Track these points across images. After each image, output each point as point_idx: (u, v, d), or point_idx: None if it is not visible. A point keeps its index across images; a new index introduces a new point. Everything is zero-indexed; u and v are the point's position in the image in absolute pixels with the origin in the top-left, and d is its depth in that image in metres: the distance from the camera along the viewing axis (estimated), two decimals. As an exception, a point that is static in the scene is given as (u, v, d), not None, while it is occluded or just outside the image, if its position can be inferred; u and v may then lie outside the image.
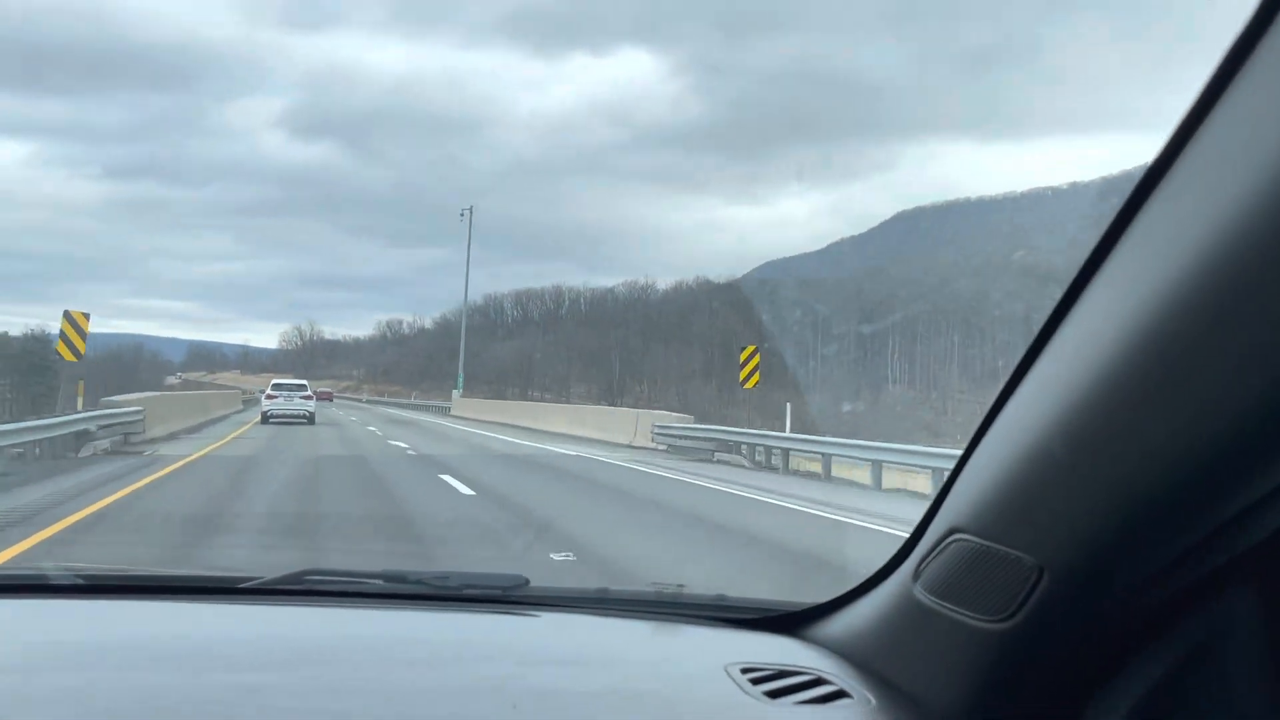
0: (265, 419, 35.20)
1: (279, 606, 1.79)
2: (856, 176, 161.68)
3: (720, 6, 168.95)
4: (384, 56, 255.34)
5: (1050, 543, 1.08)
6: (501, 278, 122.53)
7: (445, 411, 58.97)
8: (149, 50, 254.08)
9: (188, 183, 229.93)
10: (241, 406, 52.38)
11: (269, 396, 37.06)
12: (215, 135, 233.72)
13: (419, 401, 78.56)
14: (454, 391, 66.65)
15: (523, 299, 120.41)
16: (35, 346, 78.07)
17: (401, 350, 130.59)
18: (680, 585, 1.94)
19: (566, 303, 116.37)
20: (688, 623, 1.80)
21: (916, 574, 1.35)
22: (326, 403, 59.01)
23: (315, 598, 1.81)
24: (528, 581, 1.86)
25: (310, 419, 35.74)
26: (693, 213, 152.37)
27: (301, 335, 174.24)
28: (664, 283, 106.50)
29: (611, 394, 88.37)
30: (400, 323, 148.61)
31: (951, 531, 1.25)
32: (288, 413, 35.67)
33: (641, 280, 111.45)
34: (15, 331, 79.12)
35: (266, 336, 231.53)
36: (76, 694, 1.34)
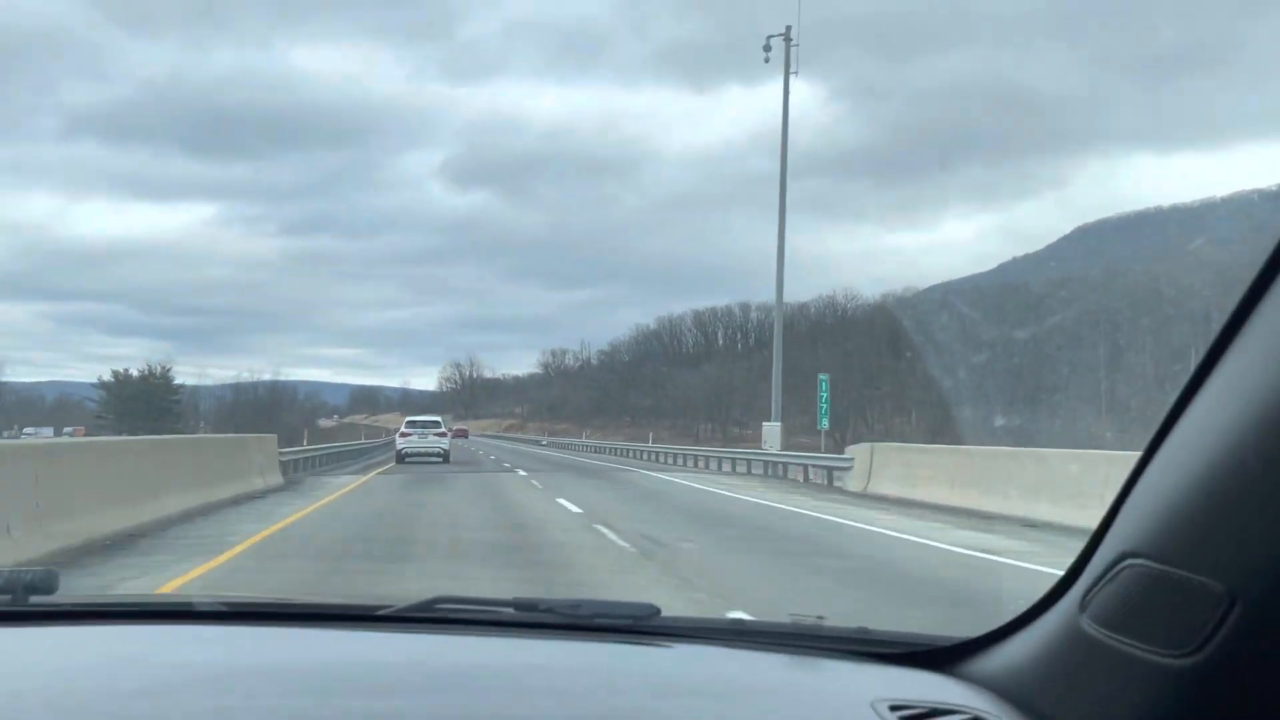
0: (400, 459, 34.04)
1: (412, 634, 1.80)
2: (1027, 195, 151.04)
3: (878, 28, 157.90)
4: (540, 102, 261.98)
5: (1242, 566, 0.97)
6: (654, 315, 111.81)
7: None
8: (323, 110, 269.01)
9: (356, 235, 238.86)
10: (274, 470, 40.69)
11: (403, 434, 35.42)
12: (382, 188, 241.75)
13: (615, 444, 59.08)
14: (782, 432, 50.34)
15: (704, 320, 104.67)
16: (156, 389, 67.48)
17: (568, 385, 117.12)
18: (820, 617, 1.88)
19: (755, 319, 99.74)
20: (829, 657, 1.71)
21: (1083, 604, 1.22)
22: (462, 439, 56.42)
23: (448, 625, 1.82)
24: (659, 611, 1.80)
25: (445, 457, 34.24)
26: (851, 240, 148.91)
27: (461, 374, 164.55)
28: (859, 297, 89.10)
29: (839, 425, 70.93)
30: (564, 354, 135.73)
31: (1124, 556, 1.14)
32: (422, 451, 34.29)
33: (840, 294, 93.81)
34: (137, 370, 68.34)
35: (427, 379, 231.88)
36: (213, 718, 1.38)
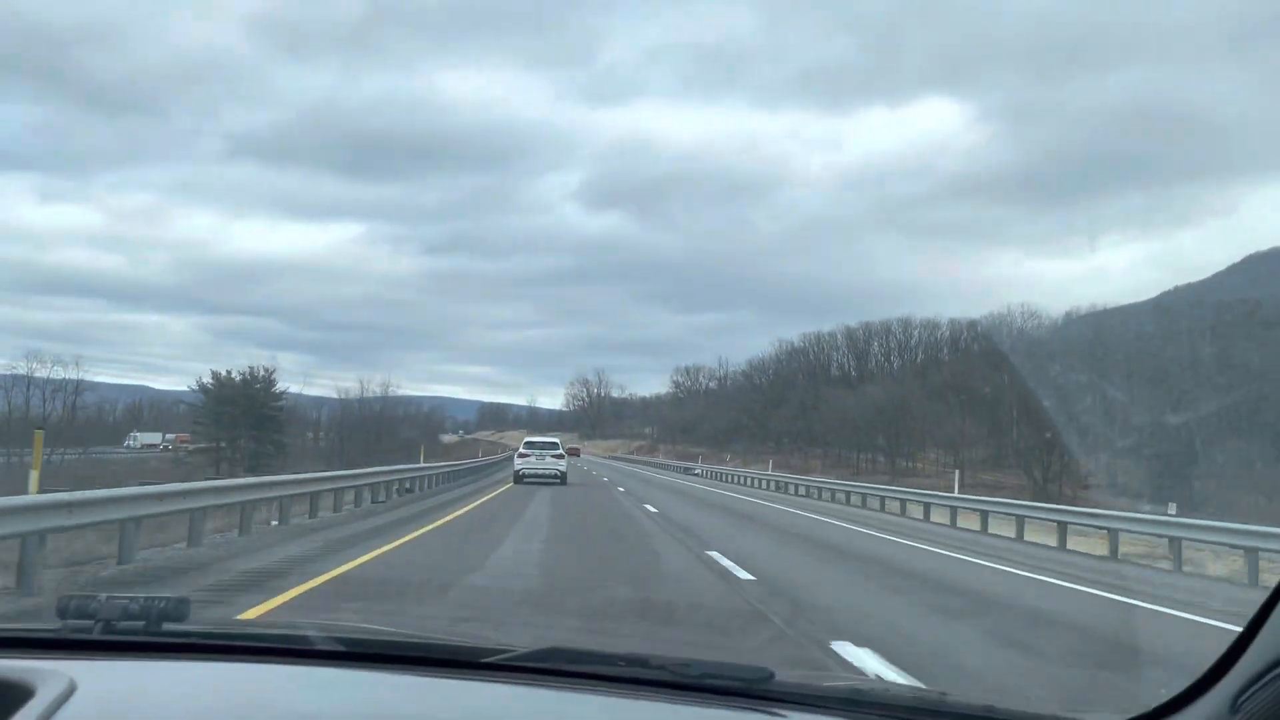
0: (518, 479, 33.72)
1: (525, 687, 1.78)
2: (1188, 223, 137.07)
3: (1033, 46, 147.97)
4: (677, 124, 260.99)
5: None
6: (768, 348, 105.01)
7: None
8: (467, 134, 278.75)
9: (494, 256, 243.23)
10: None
11: (521, 455, 35.31)
12: (520, 210, 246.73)
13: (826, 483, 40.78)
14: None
15: (857, 337, 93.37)
16: (257, 395, 61.54)
17: (703, 405, 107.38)
18: (943, 692, 1.82)
19: (919, 336, 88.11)
20: None
21: (1235, 705, 1.16)
22: (573, 457, 51.31)
23: (560, 678, 1.79)
24: (773, 675, 1.74)
25: (562, 479, 33.86)
26: (995, 266, 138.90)
27: (589, 392, 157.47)
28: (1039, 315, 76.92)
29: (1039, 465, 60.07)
30: (698, 371, 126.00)
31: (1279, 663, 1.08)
32: (539, 472, 33.95)
33: (1016, 309, 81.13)
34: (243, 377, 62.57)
35: (554, 398, 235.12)
36: None
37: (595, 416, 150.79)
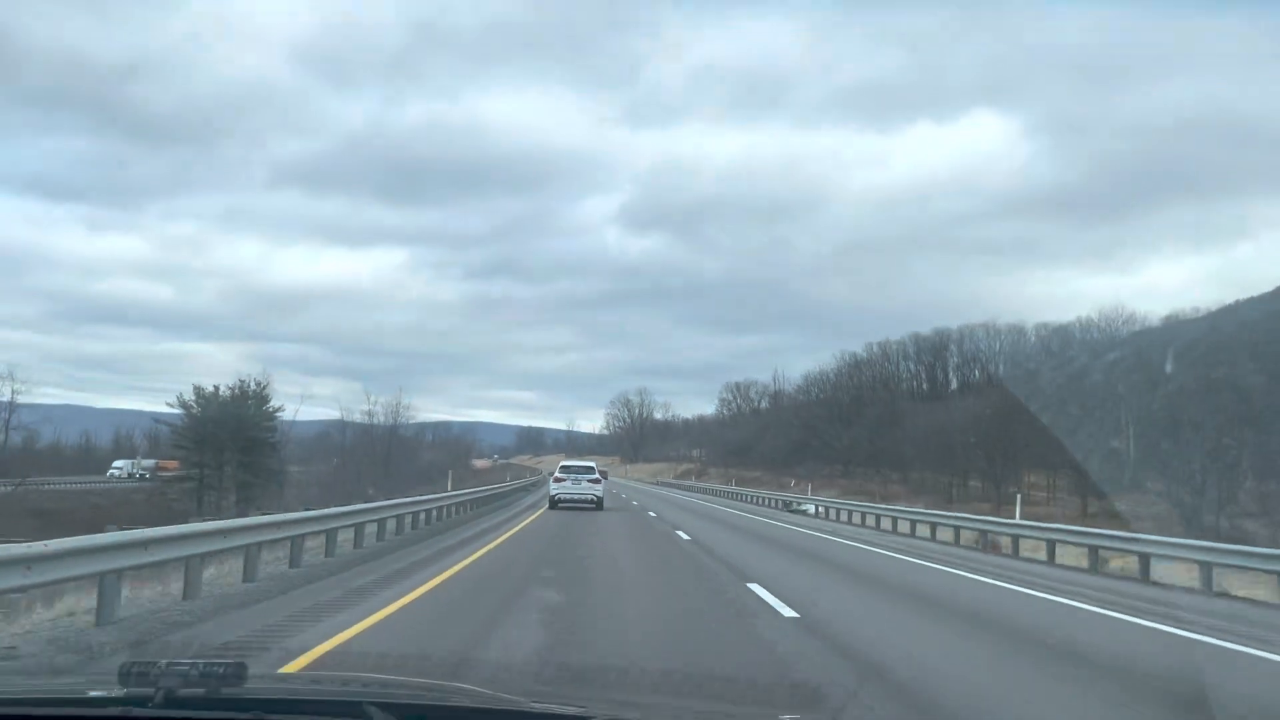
0: (553, 504, 33.11)
1: None
2: (1244, 236, 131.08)
3: (1082, 57, 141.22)
4: (718, 145, 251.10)
5: None
6: (825, 362, 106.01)
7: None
8: (509, 159, 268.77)
9: (535, 280, 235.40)
10: None
11: (556, 479, 34.57)
12: (561, 234, 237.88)
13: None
14: None
15: (930, 344, 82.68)
16: (249, 413, 53.04)
17: (758, 424, 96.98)
18: None
19: (1005, 343, 77.41)
20: None
21: None
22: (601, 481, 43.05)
23: None
24: None
25: (598, 504, 33.10)
26: (1044, 284, 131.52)
27: (630, 412, 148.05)
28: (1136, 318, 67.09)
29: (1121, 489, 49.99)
30: (749, 387, 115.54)
31: None
32: (575, 498, 33.18)
33: (1098, 316, 70.78)
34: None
35: (594, 421, 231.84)
36: None
37: (637, 438, 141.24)
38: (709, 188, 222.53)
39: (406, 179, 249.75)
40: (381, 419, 68.92)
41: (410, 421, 77.95)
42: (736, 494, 59.01)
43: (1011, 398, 58.47)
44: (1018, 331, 78.19)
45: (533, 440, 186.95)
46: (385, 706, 1.85)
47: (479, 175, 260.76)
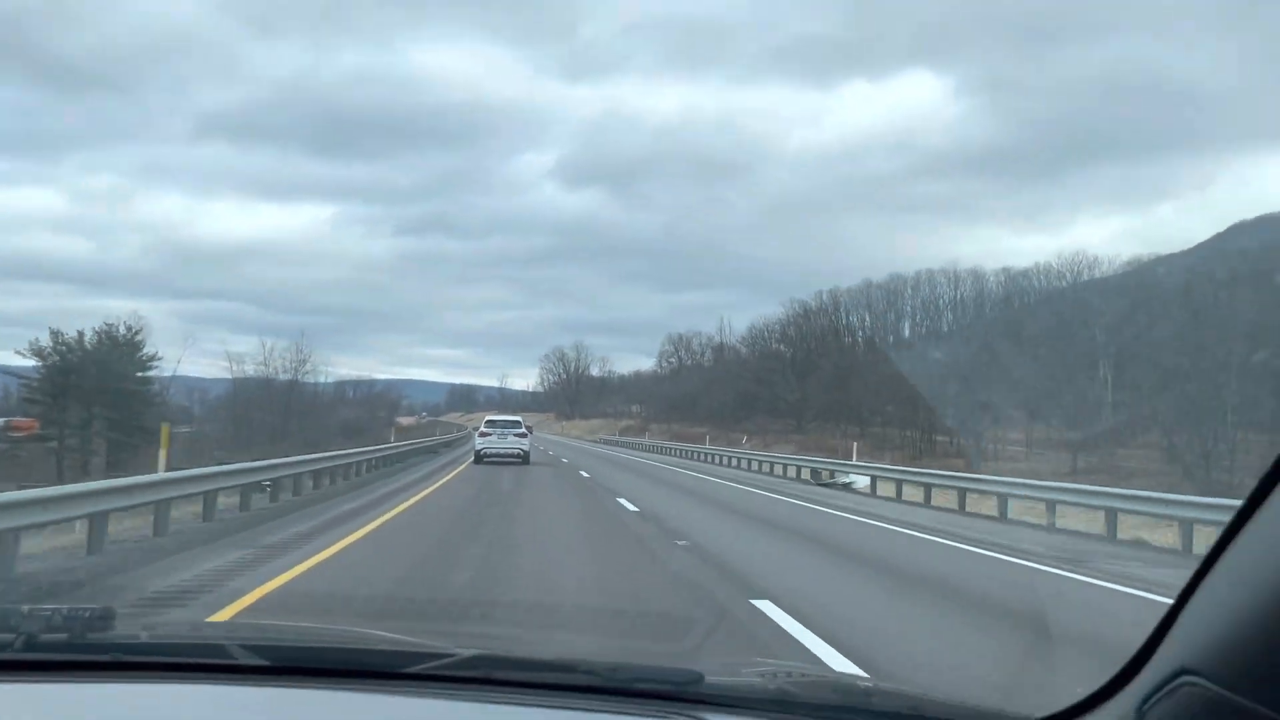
0: (478, 459, 32.71)
1: (445, 700, 1.74)
2: (1166, 196, 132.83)
3: (1016, 16, 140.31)
4: (656, 101, 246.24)
5: None
6: (772, 313, 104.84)
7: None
8: (442, 112, 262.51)
9: (469, 236, 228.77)
10: None
11: (482, 434, 34.13)
12: (496, 189, 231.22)
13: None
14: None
15: (887, 292, 77.47)
16: (121, 362, 45.33)
17: (703, 377, 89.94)
18: (869, 687, 1.81)
19: (967, 292, 72.34)
20: None
21: (1141, 712, 1.17)
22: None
23: (485, 686, 1.76)
24: (702, 677, 1.73)
25: (525, 459, 32.71)
26: (972, 244, 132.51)
27: (566, 366, 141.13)
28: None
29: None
30: (690, 340, 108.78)
31: (1182, 671, 1.08)
32: (501, 452, 32.80)
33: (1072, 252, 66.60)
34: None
35: (529, 378, 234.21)
36: None
37: (573, 394, 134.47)
38: (647, 143, 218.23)
39: (337, 132, 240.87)
40: (285, 374, 61.22)
41: (325, 378, 70.63)
42: (693, 452, 52.70)
43: (980, 345, 53.52)
44: (976, 276, 73.36)
45: (464, 398, 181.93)
46: (254, 649, 1.83)
47: (412, 129, 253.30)
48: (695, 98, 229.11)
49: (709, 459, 46.70)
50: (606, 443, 76.02)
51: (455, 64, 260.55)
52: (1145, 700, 1.17)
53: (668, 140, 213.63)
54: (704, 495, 23.19)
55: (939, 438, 56.32)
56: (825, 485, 29.03)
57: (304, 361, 62.08)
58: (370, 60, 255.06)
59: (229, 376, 60.72)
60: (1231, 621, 1.00)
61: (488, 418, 37.50)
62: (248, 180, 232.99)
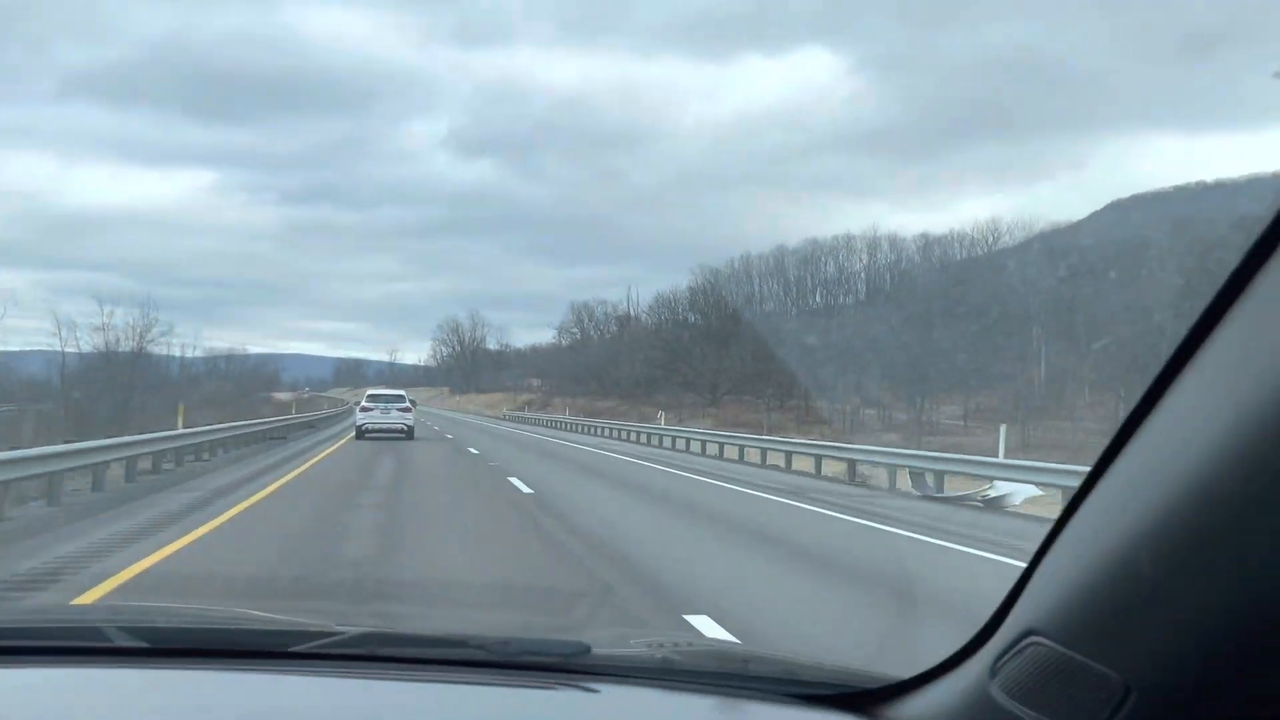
0: (359, 434, 31.66)
1: (334, 677, 1.72)
2: (1044, 176, 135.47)
3: None
4: (552, 70, 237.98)
5: (1138, 661, 0.98)
6: (657, 293, 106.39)
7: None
8: (328, 76, 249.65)
9: (358, 206, 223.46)
10: None
11: (363, 409, 33.00)
12: (386, 158, 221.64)
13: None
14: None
15: (802, 258, 72.62)
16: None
17: (609, 349, 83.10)
18: (748, 654, 1.85)
19: (885, 258, 68.33)
20: (756, 698, 1.66)
21: (994, 670, 1.23)
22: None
23: (375, 664, 1.75)
24: (589, 649, 1.75)
25: (409, 434, 32.04)
26: (861, 220, 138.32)
27: (461, 338, 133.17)
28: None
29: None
30: (594, 309, 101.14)
31: (1030, 632, 1.15)
32: (383, 427, 31.96)
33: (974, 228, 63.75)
34: None
35: (421, 352, 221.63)
36: None
37: (469, 368, 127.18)
38: (543, 114, 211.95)
39: (216, 94, 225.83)
40: (128, 345, 52.79)
41: (192, 351, 62.88)
42: (602, 429, 47.05)
43: (909, 313, 49.50)
44: (894, 241, 69.64)
45: (352, 372, 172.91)
46: (131, 630, 1.79)
47: (297, 92, 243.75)
48: (592, 68, 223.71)
49: (623, 435, 41.83)
50: (510, 419, 69.73)
51: (343, 26, 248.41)
52: (997, 659, 1.22)
53: (564, 111, 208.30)
54: (616, 478, 20.30)
55: (868, 410, 52.13)
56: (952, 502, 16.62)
57: (149, 329, 53.50)
58: (252, 20, 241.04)
59: (62, 350, 52.04)
60: (1073, 584, 1.05)
61: (369, 392, 36.56)
62: (119, 143, 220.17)
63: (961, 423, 47.65)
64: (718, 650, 1.89)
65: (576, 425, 51.34)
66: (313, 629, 1.81)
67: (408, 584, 7.53)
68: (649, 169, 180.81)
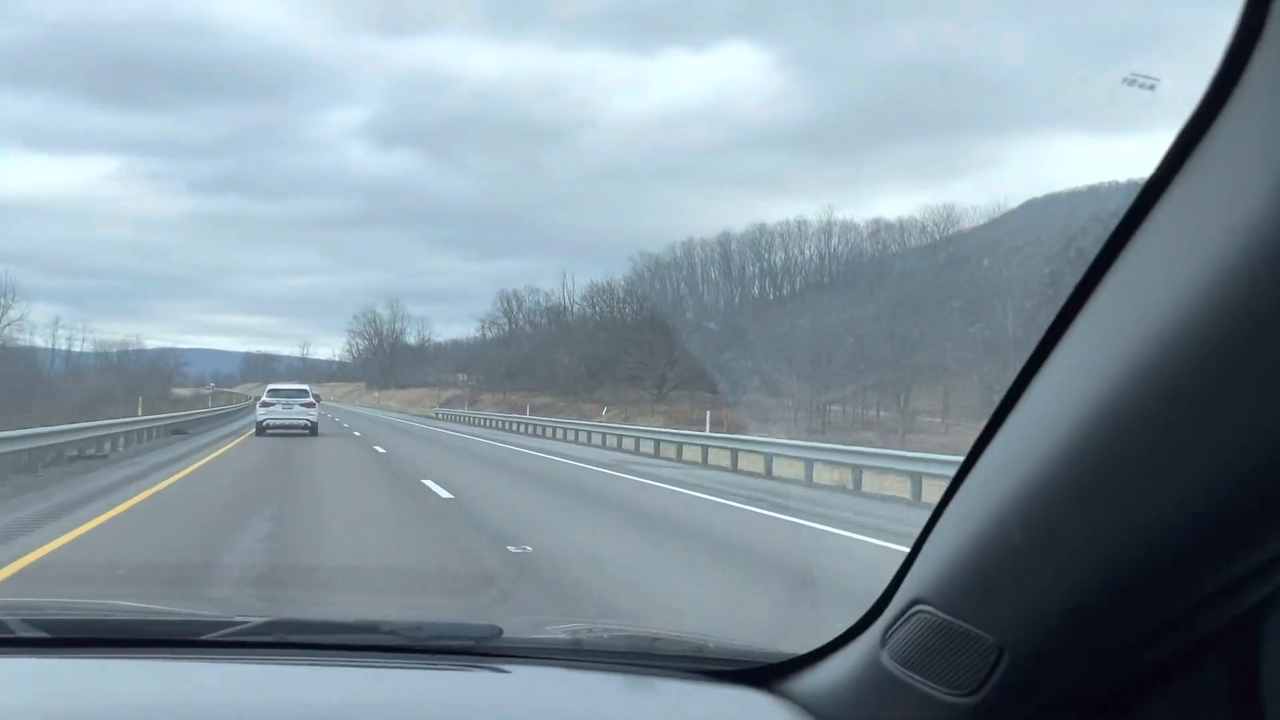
0: (260, 430, 31.21)
1: (249, 664, 1.70)
2: (960, 175, 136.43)
3: None
4: (474, 61, 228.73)
5: (1009, 624, 1.08)
6: (591, 282, 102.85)
7: None
8: (241, 62, 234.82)
9: (272, 197, 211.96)
10: None
11: (264, 404, 32.62)
12: (301, 147, 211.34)
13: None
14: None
15: (748, 243, 67.61)
16: None
17: (541, 341, 76.53)
18: (656, 635, 1.91)
19: (838, 243, 64.04)
20: (664, 676, 1.71)
21: (884, 639, 1.32)
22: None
23: (286, 651, 1.72)
24: (501, 631, 1.78)
25: (312, 430, 31.04)
26: (782, 217, 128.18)
27: (379, 330, 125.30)
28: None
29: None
30: (523, 298, 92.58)
31: (916, 601, 1.24)
32: (285, 423, 31.04)
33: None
34: None
35: (336, 346, 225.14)
36: None
37: (387, 363, 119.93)
38: (465, 105, 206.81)
39: (122, 78, 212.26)
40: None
41: (80, 346, 56.60)
42: (539, 428, 41.57)
43: (888, 299, 45.74)
44: (849, 228, 65.63)
45: (261, 367, 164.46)
46: (33, 622, 1.73)
47: (207, 78, 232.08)
48: (514, 59, 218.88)
49: (560, 435, 37.04)
50: (440, 418, 63.52)
51: (257, 11, 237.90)
52: (888, 629, 1.29)
53: (486, 102, 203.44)
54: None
55: (833, 407, 48.00)
56: None
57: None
58: (163, 2, 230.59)
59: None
60: (954, 555, 1.13)
61: (270, 386, 35.54)
62: (15, 129, 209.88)
63: (939, 420, 43.96)
64: (627, 632, 1.97)
65: (510, 424, 45.95)
66: (220, 617, 1.77)
67: (319, 569, 7.45)
68: (570, 163, 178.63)
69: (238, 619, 1.74)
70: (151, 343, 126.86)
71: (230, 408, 58.30)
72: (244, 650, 1.69)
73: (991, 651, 1.08)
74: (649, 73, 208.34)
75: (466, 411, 59.97)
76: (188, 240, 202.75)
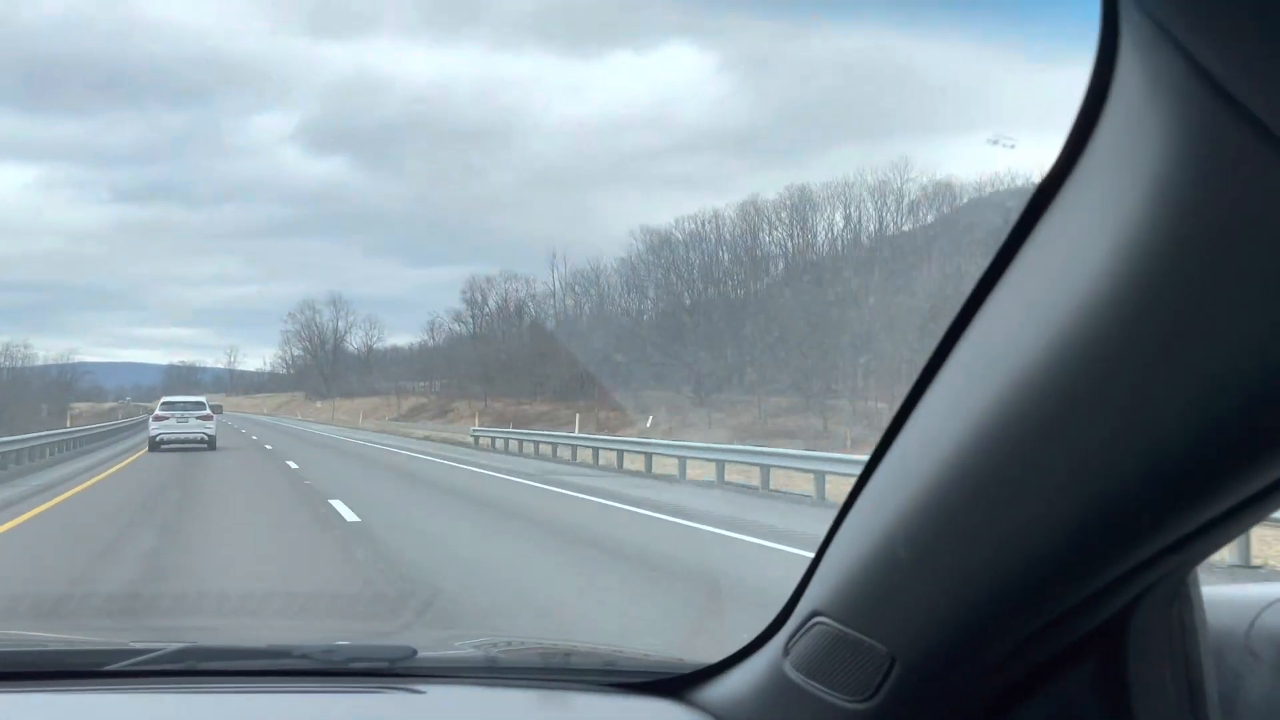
0: (153, 446, 29.63)
1: (157, 694, 1.66)
2: (900, 176, 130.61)
3: None
4: (410, 63, 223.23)
5: (899, 633, 1.14)
6: (658, 227, 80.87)
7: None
8: (167, 65, 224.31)
9: (198, 204, 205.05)
10: None
11: (157, 418, 31.24)
12: (231, 154, 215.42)
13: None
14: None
15: (789, 207, 57.56)
16: None
17: (530, 337, 63.75)
18: (569, 649, 1.93)
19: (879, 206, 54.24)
20: (578, 689, 1.74)
21: (786, 649, 1.37)
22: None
23: (197, 679, 1.69)
24: (415, 652, 1.76)
25: (210, 444, 29.59)
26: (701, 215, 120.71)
27: (319, 333, 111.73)
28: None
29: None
30: (491, 285, 77.75)
31: (815, 614, 1.29)
32: (180, 438, 29.77)
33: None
34: None
35: (269, 356, 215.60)
36: None
37: (329, 370, 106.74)
38: (400, 109, 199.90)
39: (40, 83, 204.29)
40: None
41: None
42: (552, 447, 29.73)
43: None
44: (896, 191, 56.03)
45: (185, 379, 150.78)
46: None
47: (131, 82, 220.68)
48: (450, 62, 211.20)
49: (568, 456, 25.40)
50: (477, 443, 50.85)
51: (183, 13, 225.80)
52: (790, 639, 1.34)
53: (422, 107, 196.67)
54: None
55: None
56: None
57: None
58: (83, 2, 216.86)
59: None
60: (849, 568, 1.18)
61: (164, 399, 35.10)
62: None
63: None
64: (540, 648, 1.99)
65: (512, 440, 33.78)
66: (129, 647, 1.72)
67: (229, 596, 7.32)
68: (508, 168, 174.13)
69: (146, 647, 1.68)
70: (81, 358, 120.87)
71: (137, 419, 55.68)
72: (153, 680, 1.64)
73: (884, 660, 1.14)
74: (589, 75, 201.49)
75: (509, 431, 43.94)
76: (111, 251, 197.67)
